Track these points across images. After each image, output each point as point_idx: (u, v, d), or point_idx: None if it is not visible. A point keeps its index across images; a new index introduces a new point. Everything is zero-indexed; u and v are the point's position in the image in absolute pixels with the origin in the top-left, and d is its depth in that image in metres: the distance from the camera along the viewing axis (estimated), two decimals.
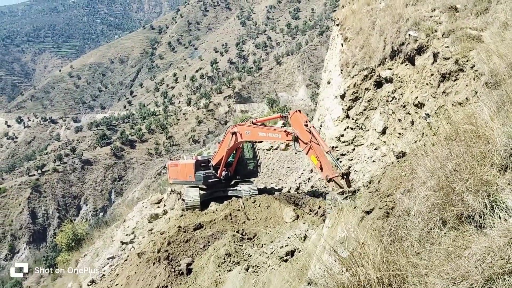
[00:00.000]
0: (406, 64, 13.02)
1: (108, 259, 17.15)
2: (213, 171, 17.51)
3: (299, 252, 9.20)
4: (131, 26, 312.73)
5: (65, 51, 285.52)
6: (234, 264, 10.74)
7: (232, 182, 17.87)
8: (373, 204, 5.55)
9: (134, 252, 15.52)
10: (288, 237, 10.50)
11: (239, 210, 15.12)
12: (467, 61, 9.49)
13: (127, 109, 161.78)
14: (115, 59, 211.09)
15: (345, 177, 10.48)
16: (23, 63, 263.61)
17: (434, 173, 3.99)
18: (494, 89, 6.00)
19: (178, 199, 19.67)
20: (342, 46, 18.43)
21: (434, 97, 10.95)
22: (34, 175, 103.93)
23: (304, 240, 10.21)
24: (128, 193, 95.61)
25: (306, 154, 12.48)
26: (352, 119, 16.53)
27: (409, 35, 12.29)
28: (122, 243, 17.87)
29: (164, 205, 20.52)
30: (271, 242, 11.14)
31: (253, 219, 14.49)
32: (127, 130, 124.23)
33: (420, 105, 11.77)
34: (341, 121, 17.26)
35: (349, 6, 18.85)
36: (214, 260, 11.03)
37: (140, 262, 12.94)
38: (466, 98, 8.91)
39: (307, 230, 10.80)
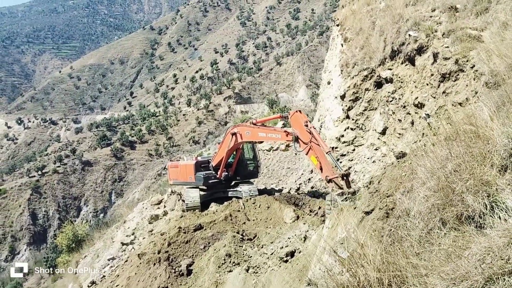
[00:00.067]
0: (406, 64, 13.01)
1: (109, 260, 17.15)
2: (213, 172, 17.50)
3: (299, 252, 9.19)
4: (131, 27, 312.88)
5: (65, 52, 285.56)
6: (234, 265, 10.73)
7: (232, 183, 17.87)
8: (373, 205, 5.55)
9: (134, 253, 15.52)
10: (288, 238, 10.49)
11: (239, 211, 15.11)
12: (467, 61, 9.48)
13: (127, 110, 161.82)
14: (115, 60, 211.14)
15: (345, 178, 10.46)
16: (23, 64, 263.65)
17: (434, 174, 3.99)
18: (494, 89, 5.99)
19: (178, 200, 19.67)
20: (342, 46, 18.43)
21: (434, 97, 10.94)
22: (34, 176, 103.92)
23: (304, 240, 10.20)
24: (129, 194, 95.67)
25: (306, 154, 12.45)
26: (352, 119, 16.51)
27: (409, 35, 12.29)
28: (123, 244, 17.87)
29: (165, 206, 20.51)
30: (271, 242, 11.13)
31: (253, 220, 14.48)
32: (127, 131, 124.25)
33: (420, 105, 11.76)
34: (341, 122, 17.25)
35: (349, 7, 18.84)
36: (215, 261, 11.03)
37: (140, 263, 12.94)
38: (466, 98, 8.90)
39: (307, 231, 10.79)
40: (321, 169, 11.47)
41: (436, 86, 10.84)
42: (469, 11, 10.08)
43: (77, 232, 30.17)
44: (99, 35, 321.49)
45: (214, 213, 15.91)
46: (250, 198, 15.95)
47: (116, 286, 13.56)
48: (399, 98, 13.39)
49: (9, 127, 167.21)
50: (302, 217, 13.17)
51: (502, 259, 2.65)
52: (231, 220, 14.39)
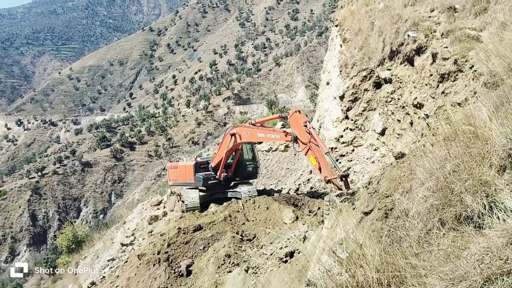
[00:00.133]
0: (405, 65, 13.01)
1: (108, 261, 17.15)
2: (213, 173, 17.50)
3: (299, 253, 9.19)
4: (130, 28, 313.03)
5: (65, 54, 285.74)
6: (233, 266, 10.73)
7: (232, 184, 17.86)
8: (372, 205, 5.55)
9: (134, 253, 15.52)
10: (288, 239, 10.48)
11: (238, 211, 15.11)
12: (466, 61, 9.48)
13: (126, 111, 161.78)
14: (115, 61, 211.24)
15: (343, 178, 10.46)
16: (22, 65, 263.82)
17: (433, 174, 3.99)
18: (492, 90, 6.00)
19: (178, 201, 19.67)
20: (341, 47, 18.44)
21: (433, 98, 10.94)
22: (34, 177, 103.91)
23: (303, 241, 10.19)
24: (128, 195, 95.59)
25: (305, 154, 12.43)
26: (351, 120, 16.51)
27: (408, 35, 12.29)
28: (122, 245, 17.87)
29: (164, 207, 20.50)
30: (271, 243, 11.13)
31: (253, 221, 14.47)
32: (127, 132, 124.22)
33: (419, 106, 11.76)
34: (340, 122, 17.25)
35: (348, 7, 18.86)
36: (214, 261, 11.03)
37: (140, 264, 12.94)
38: (465, 99, 8.91)
39: (307, 231, 10.78)
40: (319, 169, 11.47)
41: (435, 87, 10.84)
42: (467, 11, 10.09)
43: (77, 233, 30.19)
44: (99, 37, 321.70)
45: (213, 213, 15.91)
46: (250, 199, 15.95)
47: (116, 286, 13.55)
48: (398, 99, 13.39)
49: (8, 129, 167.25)
50: (302, 218, 13.18)
51: (500, 259, 2.65)
52: (231, 220, 14.39)
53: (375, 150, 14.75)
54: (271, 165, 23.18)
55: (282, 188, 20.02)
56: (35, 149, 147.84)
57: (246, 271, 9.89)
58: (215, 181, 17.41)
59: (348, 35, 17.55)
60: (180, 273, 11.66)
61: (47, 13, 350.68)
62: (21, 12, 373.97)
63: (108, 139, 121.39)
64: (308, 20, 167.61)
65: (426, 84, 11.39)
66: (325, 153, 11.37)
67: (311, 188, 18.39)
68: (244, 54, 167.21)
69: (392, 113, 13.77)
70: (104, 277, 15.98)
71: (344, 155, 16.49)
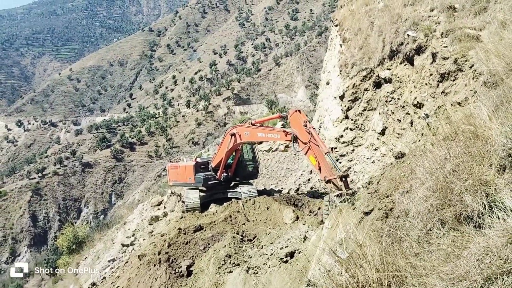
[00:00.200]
0: (405, 64, 13.01)
1: (109, 261, 17.16)
2: (213, 173, 17.49)
3: (299, 253, 9.18)
4: (130, 29, 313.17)
5: (65, 54, 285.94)
6: (234, 266, 10.73)
7: (232, 184, 17.85)
8: (372, 205, 5.55)
9: (134, 254, 15.52)
10: (288, 239, 10.48)
11: (239, 211, 15.10)
12: (465, 60, 9.48)
13: (126, 112, 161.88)
14: (114, 61, 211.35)
15: (343, 179, 10.45)
16: (22, 66, 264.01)
17: (433, 174, 3.99)
18: (492, 89, 5.99)
19: (178, 201, 19.67)
20: (341, 46, 18.43)
21: (433, 97, 10.94)
22: (35, 178, 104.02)
23: (304, 241, 10.19)
24: (129, 196, 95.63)
25: (305, 154, 12.42)
26: (351, 119, 16.51)
27: (408, 35, 12.29)
28: (123, 245, 17.87)
29: (164, 207, 20.51)
30: (271, 243, 11.12)
31: (253, 221, 14.46)
32: (127, 132, 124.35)
33: (419, 105, 11.76)
34: (340, 122, 17.24)
35: (348, 7, 18.86)
36: (214, 261, 11.02)
37: (140, 264, 12.94)
38: (465, 98, 8.90)
39: (307, 231, 10.77)
40: (319, 169, 11.45)
41: (435, 86, 10.84)
42: (467, 10, 10.09)
43: (78, 233, 30.19)
44: (98, 37, 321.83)
45: (213, 214, 15.90)
46: (250, 199, 15.93)
47: (117, 287, 13.55)
48: (398, 98, 13.39)
49: (9, 130, 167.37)
50: (302, 218, 13.16)
51: (500, 259, 2.65)
52: (231, 221, 14.38)
53: (375, 150, 14.75)
54: (271, 165, 23.18)
55: (282, 188, 20.01)
56: (35, 150, 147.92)
57: (247, 271, 9.89)
58: (215, 181, 17.40)
59: (348, 35, 17.55)
60: (181, 274, 11.65)
61: (47, 14, 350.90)
62: (21, 13, 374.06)
63: (108, 139, 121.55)
64: (308, 20, 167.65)
65: (426, 84, 11.38)
66: (325, 153, 11.36)
67: (311, 188, 18.38)
68: (244, 54, 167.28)
69: (392, 112, 13.77)
70: (104, 277, 15.99)
71: (344, 155, 16.48)
